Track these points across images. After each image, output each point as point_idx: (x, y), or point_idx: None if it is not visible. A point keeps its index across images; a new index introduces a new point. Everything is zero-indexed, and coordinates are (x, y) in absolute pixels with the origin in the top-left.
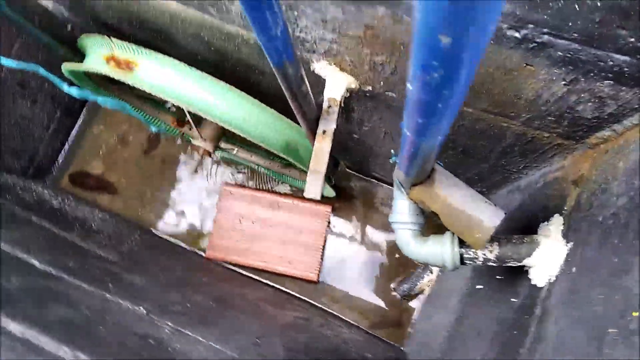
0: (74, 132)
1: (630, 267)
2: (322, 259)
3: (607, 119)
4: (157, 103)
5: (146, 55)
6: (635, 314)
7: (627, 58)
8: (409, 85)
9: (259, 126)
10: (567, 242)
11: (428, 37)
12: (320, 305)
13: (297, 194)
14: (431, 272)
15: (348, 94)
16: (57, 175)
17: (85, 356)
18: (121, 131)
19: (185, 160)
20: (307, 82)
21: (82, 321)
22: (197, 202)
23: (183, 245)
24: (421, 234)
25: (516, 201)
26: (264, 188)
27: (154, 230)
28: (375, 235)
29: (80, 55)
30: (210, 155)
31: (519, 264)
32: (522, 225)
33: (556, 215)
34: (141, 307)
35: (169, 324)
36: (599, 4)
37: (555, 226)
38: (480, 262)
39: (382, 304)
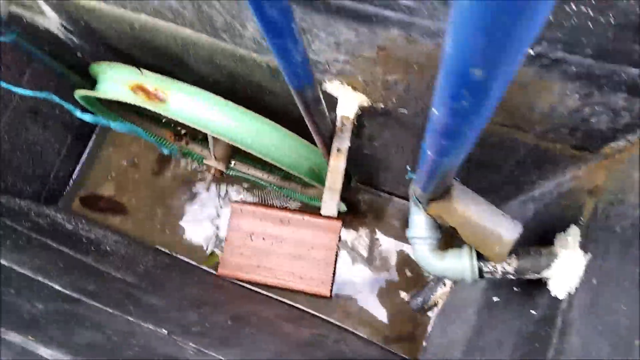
0: (84, 156)
1: None
2: (334, 273)
3: (622, 129)
4: (168, 125)
5: (178, 86)
6: None
7: None
8: (434, 111)
9: (288, 152)
10: (586, 253)
11: (460, 69)
12: (333, 321)
13: (307, 209)
14: (444, 285)
15: (360, 112)
16: (69, 199)
17: None
18: (131, 153)
19: (195, 179)
20: (324, 103)
21: (110, 345)
22: (208, 221)
23: (195, 264)
24: (439, 248)
25: (530, 211)
26: (274, 205)
27: (166, 250)
28: (386, 248)
29: (90, 82)
30: (222, 174)
31: (538, 276)
32: (537, 236)
33: (573, 226)
34: (163, 329)
35: (192, 344)
36: (612, 22)
37: (572, 237)
38: (499, 276)
39: (395, 318)
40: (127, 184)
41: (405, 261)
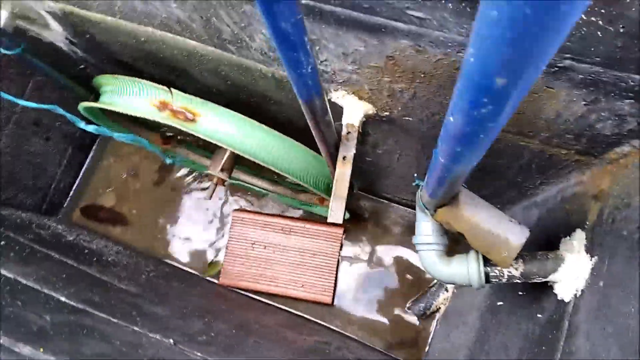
0: (85, 167)
1: None
2: (335, 281)
3: (627, 135)
4: (156, 128)
5: (208, 107)
6: None
7: None
8: (450, 118)
9: (304, 166)
10: (592, 257)
11: (483, 78)
12: (335, 328)
13: (308, 217)
14: (446, 290)
15: (365, 120)
16: (69, 209)
17: None
18: (131, 163)
19: (196, 189)
20: (330, 113)
21: (118, 356)
22: (209, 230)
23: (196, 273)
24: (446, 254)
25: (534, 216)
26: (275, 213)
27: (167, 260)
28: (387, 254)
29: (94, 93)
30: (224, 184)
31: (544, 280)
32: (542, 241)
33: (578, 230)
34: (170, 339)
35: (198, 354)
36: (621, 30)
37: (578, 241)
38: (506, 280)
39: (397, 323)
40: (127, 194)
41: (405, 267)
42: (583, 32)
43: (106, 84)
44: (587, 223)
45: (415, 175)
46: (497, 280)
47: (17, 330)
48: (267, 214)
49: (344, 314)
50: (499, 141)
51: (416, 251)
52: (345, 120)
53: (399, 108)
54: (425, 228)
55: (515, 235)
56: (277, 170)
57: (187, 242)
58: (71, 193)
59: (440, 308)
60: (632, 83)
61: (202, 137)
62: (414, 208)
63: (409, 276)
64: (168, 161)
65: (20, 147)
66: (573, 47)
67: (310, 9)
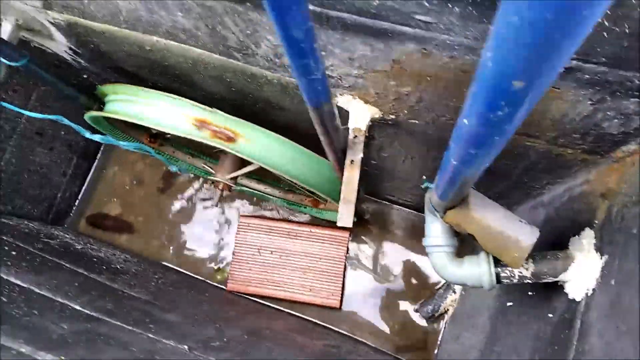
0: (90, 175)
1: None
2: (343, 284)
3: (633, 133)
4: (176, 144)
5: (248, 128)
6: None
7: None
8: (465, 121)
9: (322, 176)
10: (602, 255)
11: (501, 81)
12: (343, 332)
13: (314, 221)
14: (454, 292)
15: (370, 123)
16: (75, 219)
17: None
18: (136, 171)
19: (201, 195)
20: (338, 117)
21: None
22: (216, 236)
23: (204, 279)
24: (456, 256)
25: (541, 216)
26: (281, 218)
27: (175, 267)
28: (392, 257)
29: (97, 102)
30: (230, 190)
31: (555, 280)
32: (551, 240)
33: (587, 229)
34: (185, 345)
35: None
36: (627, 31)
37: (587, 240)
38: (517, 280)
39: (405, 326)
40: (133, 202)
41: (411, 270)
42: (590, 33)
43: (122, 92)
44: (596, 222)
45: (424, 177)
46: (508, 280)
47: (37, 339)
48: (273, 219)
49: (351, 317)
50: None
51: (424, 253)
52: (351, 124)
53: (405, 111)
54: (435, 230)
55: (525, 236)
56: (299, 183)
57: (193, 249)
58: (77, 202)
59: (448, 310)
60: (637, 82)
61: (240, 155)
62: (417, 210)
63: (414, 278)
64: (174, 169)
65: (25, 157)
66: (580, 48)
67: (317, 15)
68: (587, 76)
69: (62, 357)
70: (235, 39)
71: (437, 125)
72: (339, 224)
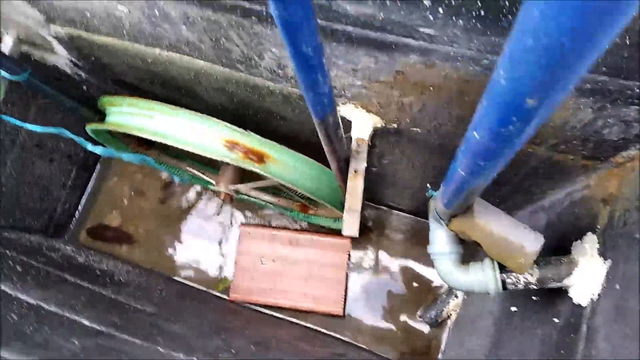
0: (89, 187)
1: None
2: (345, 292)
3: (633, 139)
4: (177, 154)
5: (279, 151)
6: None
7: None
8: (474, 134)
9: (331, 190)
10: (605, 260)
11: (514, 99)
12: (347, 339)
13: (315, 229)
14: (456, 297)
15: (373, 132)
16: (75, 231)
17: None
18: (135, 182)
19: (202, 205)
20: (342, 128)
21: None
22: (217, 246)
23: (206, 289)
24: (461, 262)
25: (542, 221)
26: (282, 226)
27: (176, 278)
28: (393, 262)
29: (98, 114)
30: (231, 199)
31: (559, 285)
32: (553, 245)
33: (589, 234)
34: (194, 357)
35: None
36: (627, 42)
37: (590, 244)
38: (522, 286)
39: (408, 332)
40: (133, 213)
41: (412, 275)
42: None
43: (134, 105)
44: (598, 226)
45: (428, 185)
46: (513, 286)
47: (52, 356)
48: (274, 227)
49: (353, 324)
50: None
51: (425, 258)
52: (354, 133)
53: (407, 120)
54: (440, 237)
55: (530, 242)
56: (312, 196)
57: (194, 259)
58: (77, 214)
59: (451, 315)
60: (637, 91)
61: (267, 176)
62: (416, 215)
63: (416, 284)
64: (177, 179)
65: (25, 170)
66: None
67: (322, 29)
68: (588, 85)
69: None
70: (239, 52)
71: (439, 133)
72: (344, 234)
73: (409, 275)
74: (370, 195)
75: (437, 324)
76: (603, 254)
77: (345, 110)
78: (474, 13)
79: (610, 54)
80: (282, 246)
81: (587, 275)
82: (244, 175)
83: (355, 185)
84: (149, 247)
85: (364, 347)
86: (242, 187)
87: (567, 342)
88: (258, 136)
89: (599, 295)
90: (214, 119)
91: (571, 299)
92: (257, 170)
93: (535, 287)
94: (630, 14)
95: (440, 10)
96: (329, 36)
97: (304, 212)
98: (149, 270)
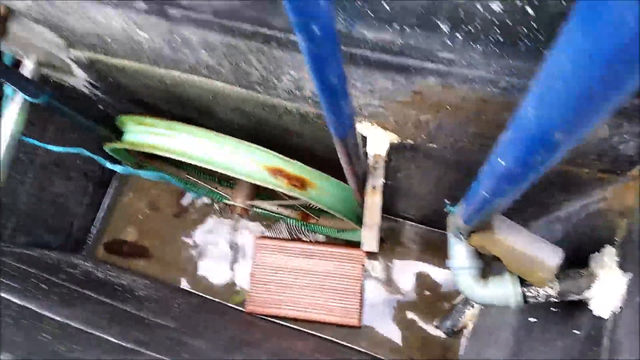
0: (105, 203)
1: None
2: (361, 303)
3: None
4: (196, 171)
5: (320, 178)
6: None
7: None
8: (500, 161)
9: (351, 205)
10: (625, 273)
11: (543, 133)
12: (364, 350)
13: (330, 240)
14: (472, 307)
15: (389, 148)
16: (92, 246)
17: None
18: (151, 197)
19: (217, 219)
20: (361, 147)
21: None
22: (232, 258)
23: (223, 302)
24: (481, 277)
25: (558, 232)
26: (296, 237)
27: (193, 291)
28: (407, 273)
29: (116, 132)
30: (247, 213)
31: (579, 297)
32: (569, 256)
33: (607, 246)
34: None
35: None
36: None
37: (608, 257)
38: (543, 300)
39: (424, 342)
40: (148, 227)
41: (426, 285)
42: None
43: (168, 127)
44: (617, 239)
45: (446, 201)
46: (534, 299)
47: None
48: (288, 239)
49: (369, 335)
50: None
51: (439, 266)
52: (371, 150)
53: (423, 136)
54: (460, 252)
55: (550, 257)
56: (339, 215)
57: (210, 272)
58: (94, 230)
59: (468, 325)
60: None
61: (309, 202)
62: (429, 225)
63: (429, 293)
64: (193, 195)
65: (44, 188)
66: None
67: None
68: None
69: None
70: (258, 75)
71: (455, 149)
72: (363, 249)
73: (423, 284)
74: (385, 207)
75: (454, 333)
76: (622, 266)
77: (362, 127)
78: (491, 38)
79: None
80: (297, 258)
81: (607, 288)
82: (258, 191)
83: (374, 201)
84: (164, 260)
85: (382, 358)
86: (258, 203)
87: (589, 355)
88: (298, 163)
89: (620, 308)
90: (252, 145)
91: (591, 310)
92: (300, 197)
93: (555, 300)
94: None
95: (459, 35)
96: (347, 60)
97: (305, 220)
98: (165, 283)
